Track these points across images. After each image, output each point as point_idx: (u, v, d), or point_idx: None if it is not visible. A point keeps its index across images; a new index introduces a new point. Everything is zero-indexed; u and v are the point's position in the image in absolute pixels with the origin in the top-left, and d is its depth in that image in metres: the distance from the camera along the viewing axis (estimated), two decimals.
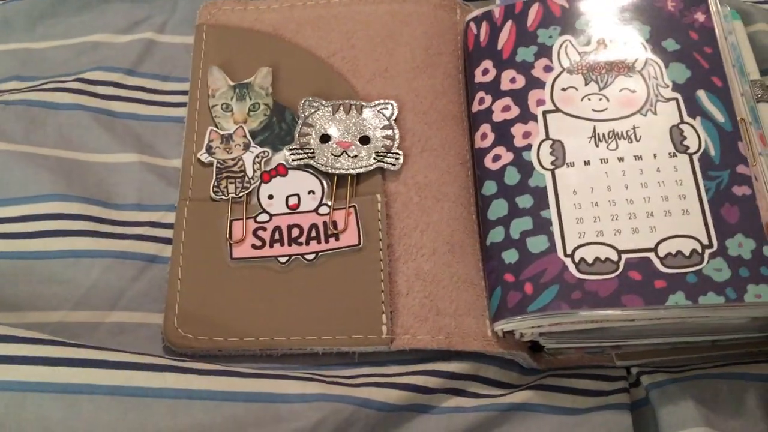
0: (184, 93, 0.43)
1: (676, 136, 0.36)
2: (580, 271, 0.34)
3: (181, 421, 0.31)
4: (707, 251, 0.33)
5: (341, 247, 0.37)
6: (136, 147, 0.41)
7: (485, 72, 0.41)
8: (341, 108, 0.40)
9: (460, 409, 0.34)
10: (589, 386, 0.36)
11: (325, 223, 0.37)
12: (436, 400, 0.34)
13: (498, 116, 0.39)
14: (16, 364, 0.31)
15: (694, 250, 0.34)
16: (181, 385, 0.32)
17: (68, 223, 0.37)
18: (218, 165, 0.39)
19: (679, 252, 0.34)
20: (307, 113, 0.40)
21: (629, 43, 0.39)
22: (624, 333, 0.35)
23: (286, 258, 0.37)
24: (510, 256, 0.36)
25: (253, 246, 0.37)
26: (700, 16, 0.39)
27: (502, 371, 0.36)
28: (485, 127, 0.39)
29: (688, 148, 0.36)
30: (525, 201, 0.36)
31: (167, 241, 0.38)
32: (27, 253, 0.37)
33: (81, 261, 0.36)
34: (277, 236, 0.37)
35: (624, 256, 0.34)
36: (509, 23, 0.41)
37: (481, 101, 0.40)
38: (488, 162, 0.38)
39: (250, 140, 0.40)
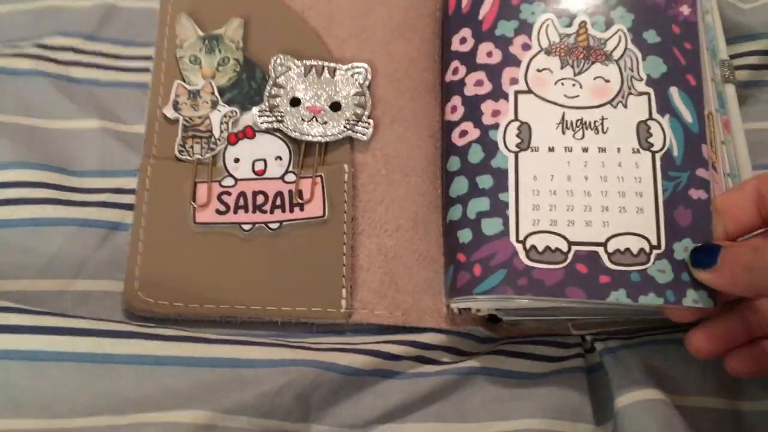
0: (146, 58, 0.41)
1: (643, 132, 0.37)
2: (529, 258, 0.35)
3: (147, 386, 0.32)
4: (654, 252, 0.35)
5: (305, 218, 0.37)
6: (97, 113, 0.40)
7: (463, 41, 0.40)
8: (313, 70, 0.39)
9: (423, 374, 0.36)
10: (545, 352, 0.38)
11: (290, 191, 0.38)
12: (401, 366, 0.36)
13: (470, 90, 0.39)
14: None
15: (641, 249, 0.35)
16: (147, 351, 0.33)
17: (30, 191, 0.37)
18: (184, 122, 0.38)
19: (627, 249, 0.35)
20: (278, 73, 0.39)
21: (610, 29, 0.38)
22: (575, 312, 0.37)
23: (250, 226, 0.37)
24: (464, 235, 0.36)
25: (217, 211, 0.37)
26: (685, 9, 0.38)
27: (464, 341, 0.38)
28: (456, 100, 0.39)
29: (652, 145, 0.36)
30: (485, 181, 0.37)
31: (130, 207, 0.38)
32: None
33: (43, 229, 0.36)
34: (241, 202, 0.37)
35: (574, 248, 0.35)
36: None
37: (455, 71, 0.39)
38: (455, 137, 0.38)
39: (218, 98, 0.39)
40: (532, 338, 0.38)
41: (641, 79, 0.37)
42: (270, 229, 0.37)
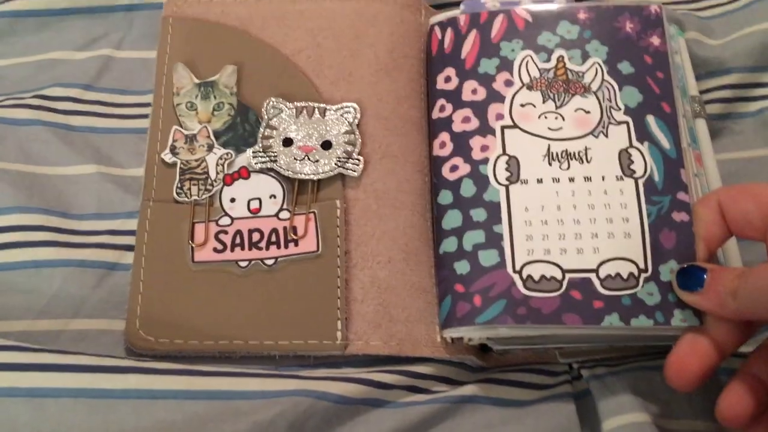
0: (141, 105, 0.43)
1: (624, 159, 0.38)
2: (526, 288, 0.36)
3: (144, 420, 0.33)
4: (642, 275, 0.36)
5: (300, 253, 0.38)
6: (95, 158, 0.41)
7: (447, 80, 0.41)
8: (304, 111, 0.41)
9: (414, 403, 0.36)
10: (534, 380, 0.38)
11: (285, 228, 0.39)
12: (393, 395, 0.36)
13: (458, 126, 0.40)
14: None
15: (631, 274, 0.36)
16: (143, 385, 0.33)
17: (29, 234, 0.38)
18: (181, 166, 0.40)
19: (618, 274, 0.36)
20: (270, 115, 0.41)
21: (587, 62, 0.40)
22: (565, 339, 0.37)
23: (246, 262, 0.38)
24: (462, 267, 0.37)
25: (215, 249, 0.38)
26: (655, 40, 0.40)
27: (455, 370, 0.38)
28: (444, 136, 0.40)
29: (634, 172, 0.38)
30: (479, 214, 0.38)
31: (127, 248, 0.39)
32: None
33: (42, 271, 0.37)
34: (238, 240, 0.38)
35: (568, 276, 0.36)
36: (474, 33, 0.41)
37: (442, 109, 0.41)
38: (446, 171, 0.40)
39: (214, 141, 0.40)
40: (521, 367, 0.39)
41: (619, 109, 0.39)
42: (266, 265, 0.38)
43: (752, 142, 0.45)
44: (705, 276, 0.33)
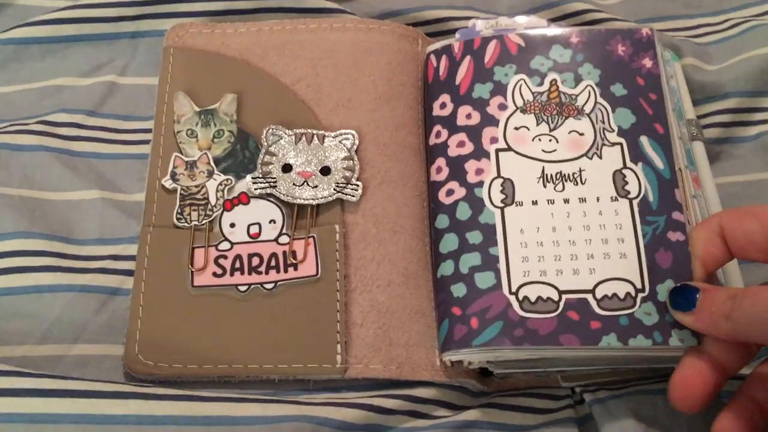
0: (145, 131, 0.44)
1: (619, 180, 0.38)
2: (523, 309, 0.36)
3: None
4: (639, 295, 0.36)
5: (299, 277, 0.38)
6: (98, 184, 0.42)
7: (443, 106, 0.42)
8: (303, 137, 0.41)
9: (416, 429, 0.36)
10: (536, 404, 0.38)
11: (284, 252, 0.39)
12: (394, 420, 0.36)
13: (453, 151, 0.41)
14: None
15: (628, 294, 0.36)
16: (143, 411, 0.34)
17: (31, 260, 0.38)
18: (182, 192, 0.40)
19: (614, 295, 0.36)
20: (270, 142, 0.41)
21: (580, 85, 0.40)
22: (565, 362, 0.37)
23: (246, 286, 0.38)
24: (458, 290, 0.37)
25: (214, 274, 0.38)
26: (647, 62, 0.41)
27: (456, 394, 0.38)
28: (441, 161, 0.41)
29: (629, 193, 0.38)
30: (475, 237, 0.38)
31: (128, 273, 0.39)
32: None
33: (44, 296, 0.38)
34: (237, 264, 0.39)
35: (564, 297, 0.36)
36: (468, 59, 0.42)
37: (438, 135, 0.42)
38: (442, 196, 0.40)
39: (214, 167, 0.41)
40: (522, 391, 0.39)
41: (613, 131, 0.39)
42: (265, 289, 0.38)
43: (752, 166, 0.45)
44: (698, 296, 0.33)
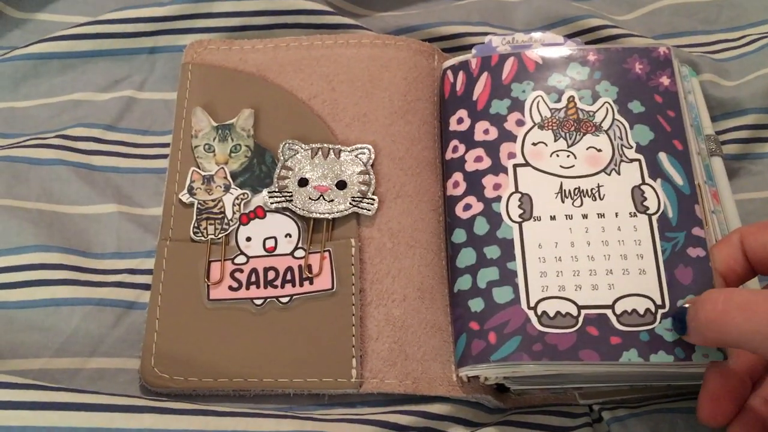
0: (162, 146, 0.44)
1: (638, 196, 0.38)
2: (542, 324, 0.36)
3: None
4: (660, 311, 0.35)
5: (315, 291, 0.38)
6: (115, 197, 0.42)
7: (460, 121, 0.42)
8: (320, 152, 0.41)
9: None
10: (553, 422, 0.38)
11: (300, 266, 0.39)
12: None
13: (470, 166, 0.41)
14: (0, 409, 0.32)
15: (647, 309, 0.36)
16: (159, 425, 0.33)
17: (49, 273, 0.39)
18: (199, 206, 0.40)
19: (634, 310, 0.36)
20: (286, 156, 0.41)
21: (597, 102, 0.40)
22: (583, 379, 0.37)
23: (262, 300, 0.38)
24: (476, 304, 0.37)
25: (230, 288, 0.38)
26: (665, 80, 0.41)
27: (472, 411, 0.38)
28: (457, 176, 0.41)
29: (648, 209, 0.38)
30: (492, 252, 0.38)
31: (145, 287, 0.39)
32: (9, 303, 0.38)
33: (61, 309, 0.38)
34: (253, 278, 0.39)
35: (583, 312, 0.36)
36: (485, 75, 0.42)
37: (455, 149, 0.42)
38: (459, 210, 0.40)
39: (231, 182, 0.41)
40: (540, 408, 0.38)
41: (631, 147, 0.39)
42: (281, 303, 0.38)
43: None
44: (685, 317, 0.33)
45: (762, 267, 0.34)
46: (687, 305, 0.33)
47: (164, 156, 0.43)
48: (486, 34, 0.47)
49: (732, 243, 0.35)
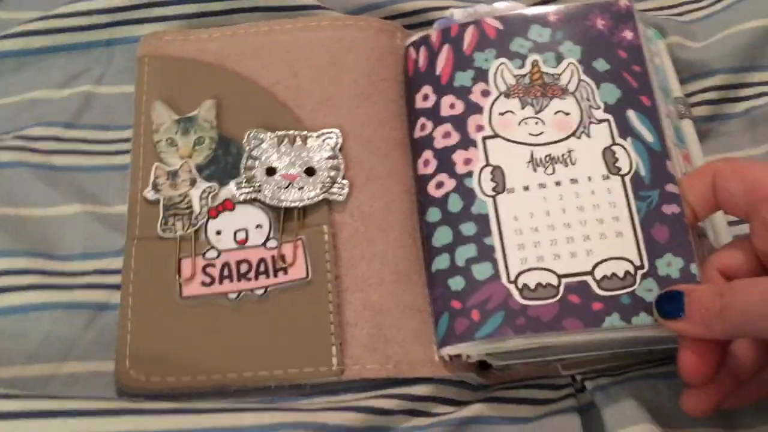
0: (125, 141, 0.43)
1: (609, 158, 0.37)
2: (523, 297, 0.35)
3: None
4: (639, 272, 0.35)
5: (290, 281, 0.38)
6: (79, 197, 0.41)
7: (425, 98, 0.41)
8: (286, 139, 0.41)
9: (416, 428, 0.35)
10: (537, 395, 0.38)
11: (273, 257, 0.38)
12: (394, 421, 0.35)
13: (439, 143, 0.40)
14: None
15: (627, 272, 0.35)
16: (137, 427, 0.33)
17: (15, 279, 0.38)
18: (165, 202, 0.40)
19: (614, 274, 0.35)
20: (252, 146, 0.41)
21: (562, 64, 0.40)
22: (564, 349, 0.36)
23: (236, 294, 0.37)
24: (456, 283, 0.37)
25: (203, 283, 0.38)
26: (627, 34, 0.40)
27: (457, 390, 0.37)
28: (427, 154, 0.40)
29: (620, 169, 0.37)
30: (469, 228, 0.37)
31: (116, 287, 0.38)
32: None
33: (30, 315, 0.37)
34: (226, 272, 0.38)
35: (564, 281, 0.35)
36: (446, 47, 0.41)
37: (423, 127, 0.41)
38: (431, 189, 0.39)
39: (197, 175, 0.40)
40: (523, 382, 0.38)
41: (599, 107, 0.38)
42: (256, 295, 0.37)
43: (740, 143, 0.45)
44: (683, 300, 0.32)
45: (728, 209, 0.35)
46: (681, 289, 0.32)
47: (127, 152, 0.42)
48: (448, 7, 0.46)
49: (704, 181, 0.35)
